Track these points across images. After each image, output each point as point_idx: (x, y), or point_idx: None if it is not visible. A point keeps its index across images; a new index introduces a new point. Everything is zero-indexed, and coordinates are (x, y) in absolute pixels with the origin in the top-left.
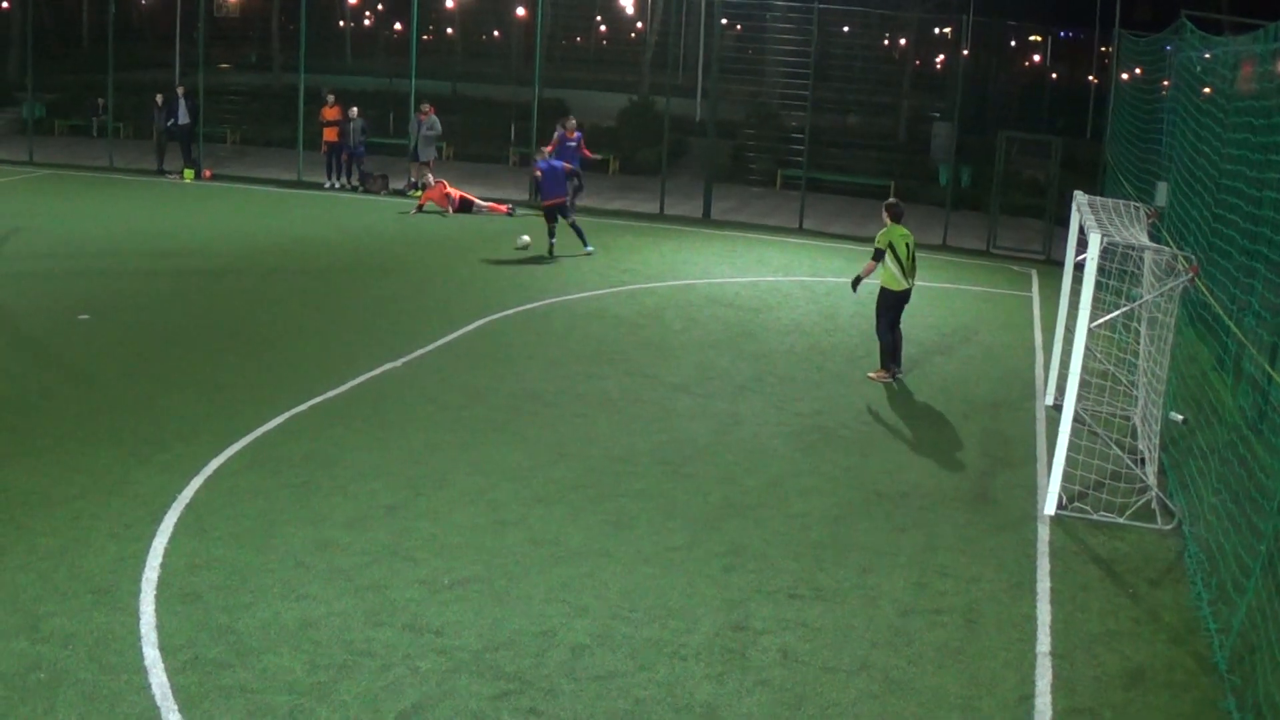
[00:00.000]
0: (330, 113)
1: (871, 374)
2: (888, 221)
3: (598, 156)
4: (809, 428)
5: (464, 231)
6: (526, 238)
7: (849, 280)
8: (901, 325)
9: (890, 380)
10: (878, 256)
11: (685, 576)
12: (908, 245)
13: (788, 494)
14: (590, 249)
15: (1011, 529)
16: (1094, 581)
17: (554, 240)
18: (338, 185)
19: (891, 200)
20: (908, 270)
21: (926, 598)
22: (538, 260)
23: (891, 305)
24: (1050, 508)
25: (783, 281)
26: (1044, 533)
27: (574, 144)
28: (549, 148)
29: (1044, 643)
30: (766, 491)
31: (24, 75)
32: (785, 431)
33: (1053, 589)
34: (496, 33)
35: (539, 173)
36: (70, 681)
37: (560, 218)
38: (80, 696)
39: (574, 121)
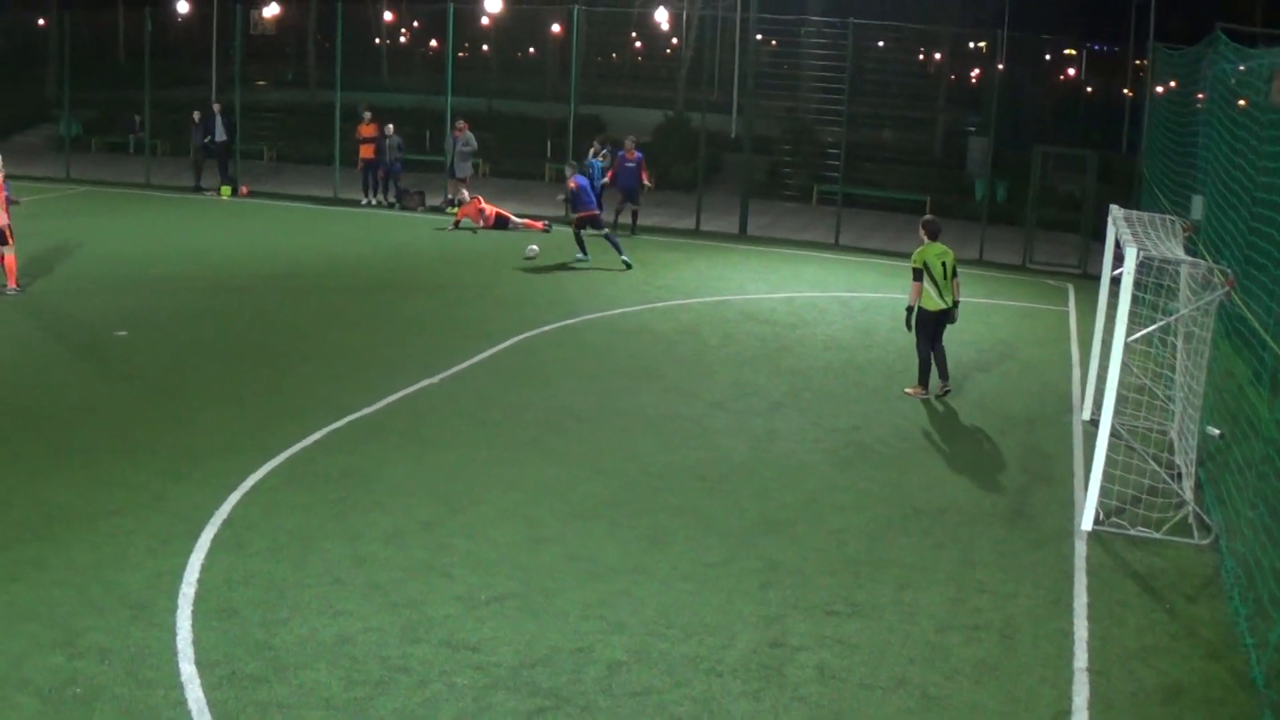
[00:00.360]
0: (367, 129)
1: (909, 389)
2: (924, 239)
3: (651, 184)
4: (846, 443)
5: (500, 248)
6: (535, 247)
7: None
8: (943, 341)
9: (926, 396)
10: (916, 276)
11: (722, 593)
12: (944, 264)
13: (825, 510)
14: (626, 258)
15: (1049, 544)
16: (1131, 597)
17: (586, 256)
18: (374, 202)
19: (928, 217)
20: (944, 289)
21: (964, 614)
22: (574, 277)
23: (928, 324)
24: (1087, 523)
25: (819, 297)
26: (1081, 548)
27: (633, 165)
28: (606, 173)
29: (1081, 658)
30: (803, 507)
31: (61, 92)
32: (822, 447)
33: (1090, 605)
34: (532, 49)
35: (574, 185)
36: (107, 696)
37: (593, 229)
38: (117, 711)
39: (632, 140)
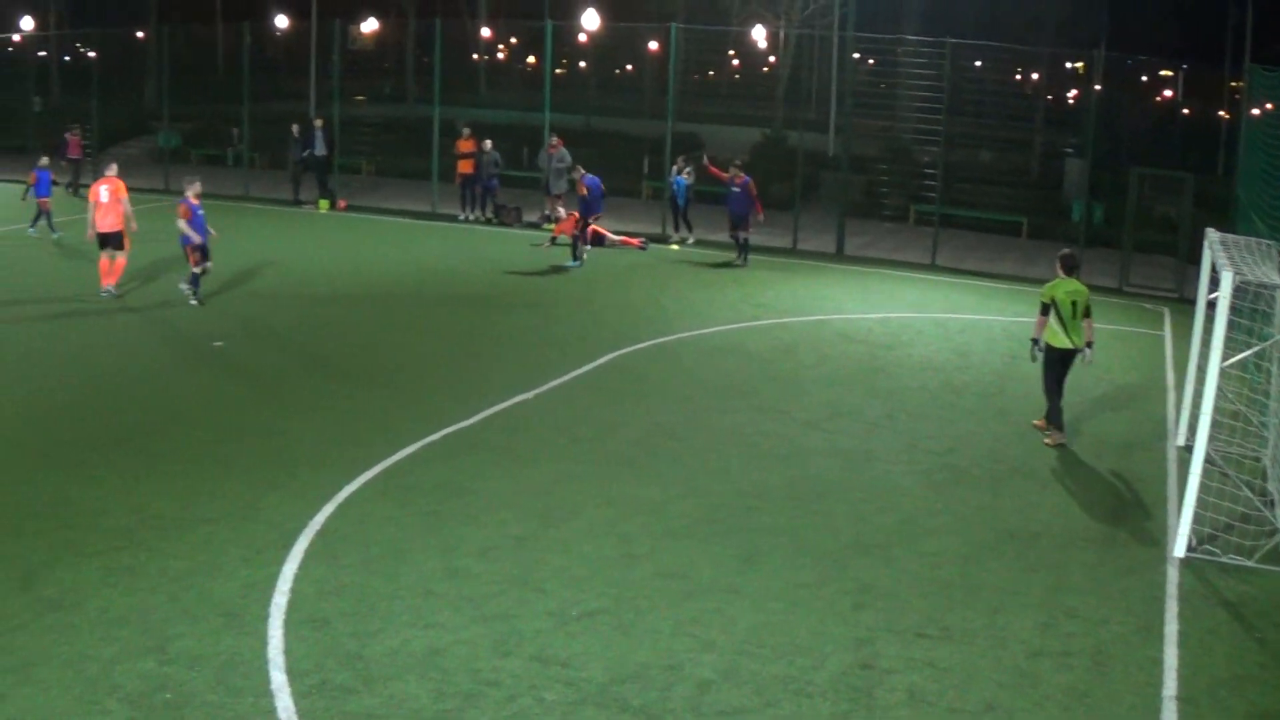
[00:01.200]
0: (465, 145)
1: (1047, 440)
2: (1060, 274)
3: (761, 218)
4: (940, 466)
5: (596, 265)
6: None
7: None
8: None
9: (1063, 441)
10: (1044, 311)
11: (814, 613)
12: (1074, 302)
13: (918, 532)
14: (577, 263)
15: (1141, 571)
16: (1222, 625)
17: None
18: (472, 217)
19: (1065, 251)
20: (1071, 328)
21: (1055, 639)
22: (670, 295)
23: (1055, 362)
24: (1180, 549)
25: (915, 318)
26: (1173, 575)
27: (740, 190)
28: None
29: (1170, 686)
30: (897, 529)
31: (160, 104)
32: (916, 469)
33: (1181, 632)
34: (629, 66)
35: (585, 190)
36: (196, 703)
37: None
38: (206, 718)
39: (737, 166)
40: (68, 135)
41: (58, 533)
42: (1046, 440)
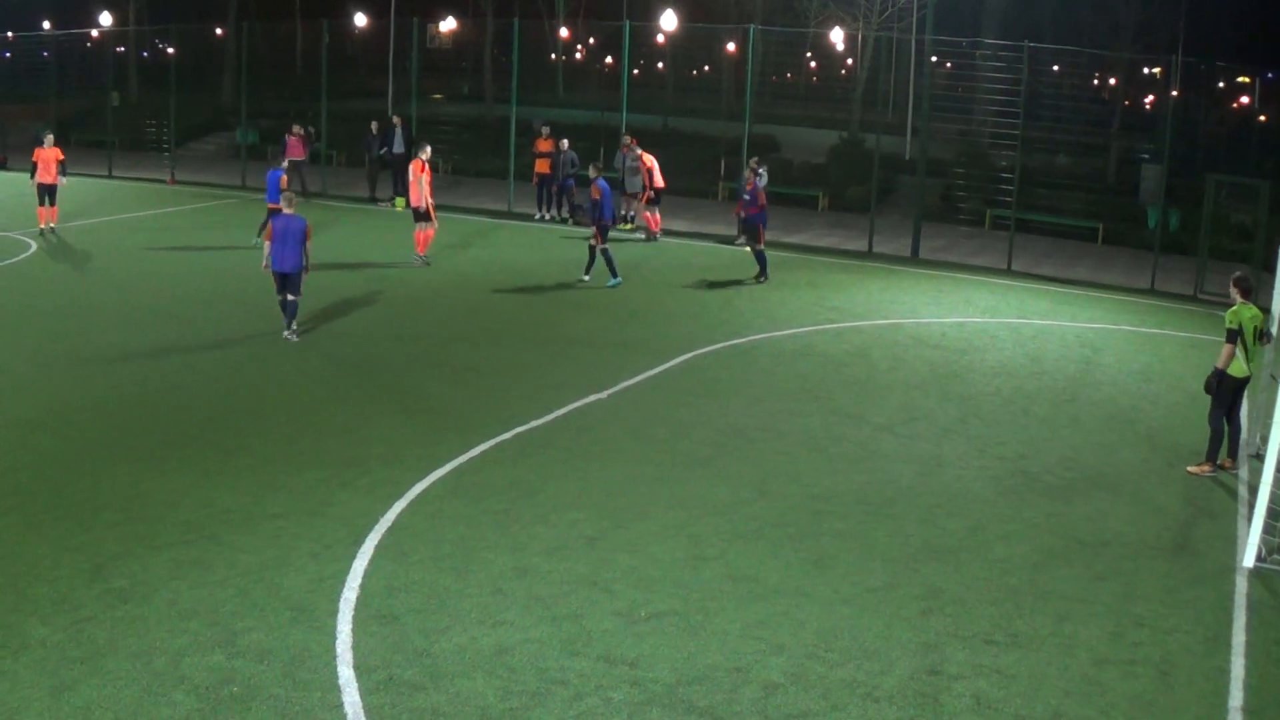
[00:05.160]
0: (544, 145)
1: (1192, 468)
2: (1237, 298)
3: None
4: (1012, 472)
5: (671, 265)
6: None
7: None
8: (1225, 409)
9: (1213, 474)
10: (1231, 338)
11: (882, 618)
12: (1256, 327)
13: (988, 539)
14: (587, 278)
15: (1210, 580)
16: None
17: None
18: (548, 217)
19: (1240, 274)
20: (1252, 354)
21: (1122, 648)
22: (743, 297)
23: (1228, 391)
24: (1249, 560)
25: (990, 323)
26: (1242, 585)
27: (749, 198)
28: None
29: (1237, 697)
30: (967, 535)
31: (238, 101)
32: (988, 475)
33: (1248, 643)
34: (707, 68)
35: (598, 194)
36: (264, 697)
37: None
38: (273, 712)
39: (753, 163)
40: (288, 136)
41: (128, 525)
42: (1191, 469)
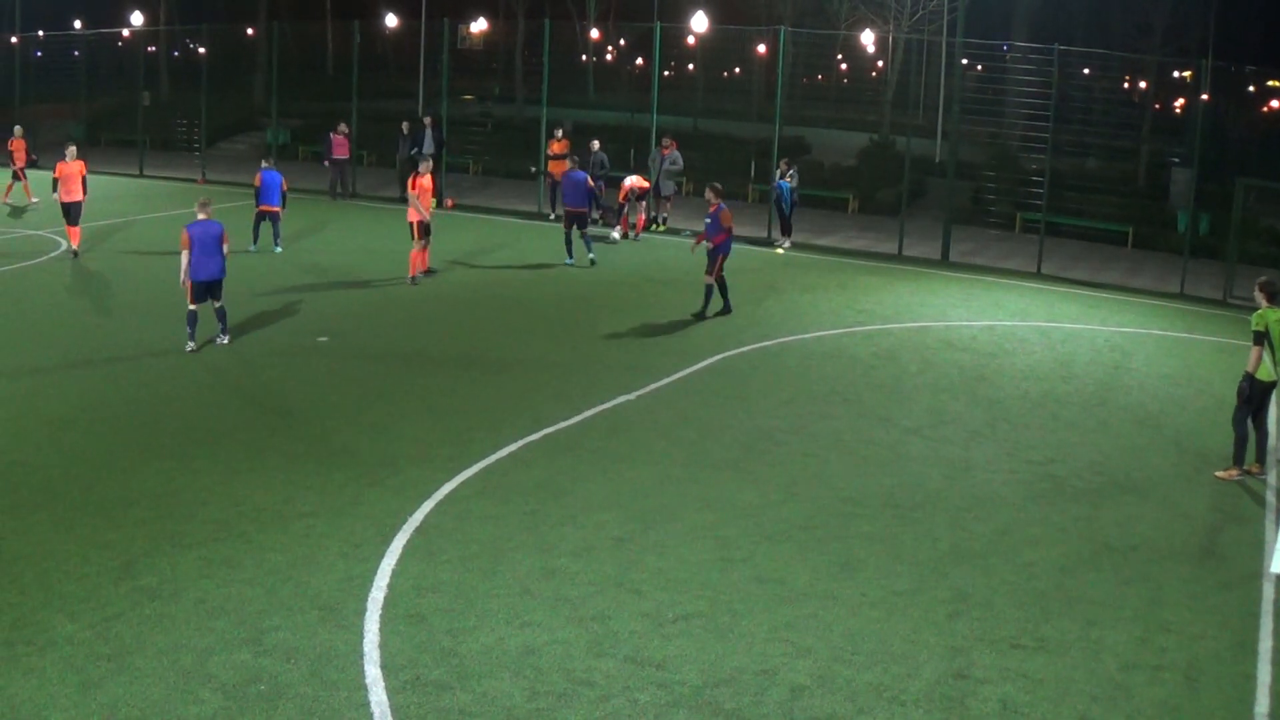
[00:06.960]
0: (557, 147)
1: (1220, 473)
2: (1263, 302)
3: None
4: (1040, 476)
5: (700, 266)
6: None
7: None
8: (1258, 413)
9: (1240, 478)
10: (1258, 341)
11: (909, 621)
12: None
13: (1016, 543)
14: (571, 262)
15: (1238, 586)
16: None
17: (573, 259)
18: (552, 217)
19: (1265, 279)
20: (1277, 358)
21: (1149, 653)
22: (774, 299)
23: (1255, 395)
24: (1277, 566)
25: (1019, 326)
26: (1269, 591)
27: (710, 222)
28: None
29: (1263, 704)
30: (995, 539)
31: (269, 101)
32: (1016, 479)
33: (1275, 649)
34: (737, 69)
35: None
36: (290, 695)
37: (577, 228)
38: (299, 711)
39: (717, 188)
40: (333, 135)
41: (158, 523)
42: (1219, 474)
